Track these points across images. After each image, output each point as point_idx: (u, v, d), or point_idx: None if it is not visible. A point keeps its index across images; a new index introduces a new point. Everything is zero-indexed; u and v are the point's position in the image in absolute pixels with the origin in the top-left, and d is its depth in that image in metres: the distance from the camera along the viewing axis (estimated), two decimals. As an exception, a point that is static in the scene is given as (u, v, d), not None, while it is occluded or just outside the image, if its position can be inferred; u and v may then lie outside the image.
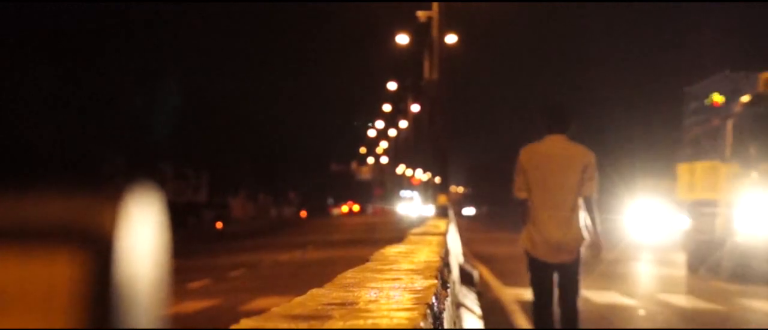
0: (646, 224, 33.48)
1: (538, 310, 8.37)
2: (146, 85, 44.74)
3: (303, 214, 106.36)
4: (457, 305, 8.92)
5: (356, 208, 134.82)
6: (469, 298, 12.41)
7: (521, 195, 8.16)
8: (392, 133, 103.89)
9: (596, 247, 8.20)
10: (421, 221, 26.50)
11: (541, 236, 8.10)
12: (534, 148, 8.22)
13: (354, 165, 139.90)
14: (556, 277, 8.26)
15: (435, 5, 31.96)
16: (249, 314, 2.48)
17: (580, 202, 8.12)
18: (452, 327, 5.02)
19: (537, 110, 8.53)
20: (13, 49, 33.65)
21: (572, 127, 8.27)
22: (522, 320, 12.19)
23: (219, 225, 54.27)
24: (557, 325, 8.38)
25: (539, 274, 8.26)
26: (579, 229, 8.08)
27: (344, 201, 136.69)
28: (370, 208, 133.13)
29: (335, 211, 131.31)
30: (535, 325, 8.48)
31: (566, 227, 8.05)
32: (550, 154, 8.13)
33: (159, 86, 45.86)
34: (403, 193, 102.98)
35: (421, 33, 39.44)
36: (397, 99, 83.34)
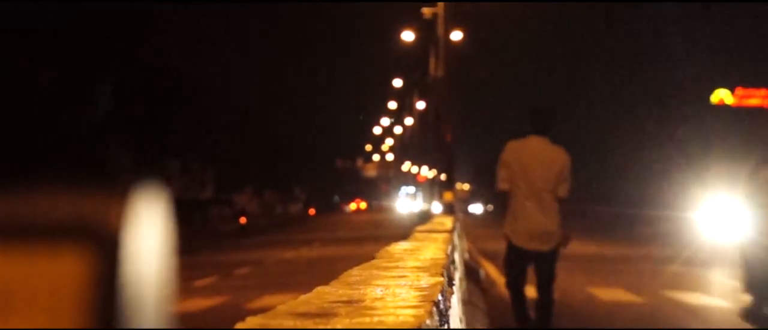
0: (723, 223, 27.56)
1: (511, 291, 9.05)
2: (152, 81, 44.86)
3: (312, 211, 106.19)
4: (464, 302, 8.96)
5: (363, 205, 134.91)
6: (475, 296, 12.43)
7: (504, 186, 8.91)
8: (398, 130, 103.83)
9: (566, 238, 8.90)
10: (427, 218, 26.48)
11: (521, 225, 8.79)
12: (518, 144, 8.93)
13: (360, 162, 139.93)
14: (532, 266, 8.97)
15: (440, 2, 31.92)
16: (255, 312, 2.48)
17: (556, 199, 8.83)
18: (458, 324, 5.02)
19: (527, 112, 9.21)
20: (16, 45, 33.74)
21: (554, 130, 8.98)
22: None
23: (243, 220, 54.53)
24: (531, 309, 9.07)
25: (515, 258, 8.97)
26: (555, 221, 8.75)
27: (351, 198, 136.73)
28: (375, 206, 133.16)
29: (346, 208, 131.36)
30: (513, 306, 9.10)
31: (543, 218, 8.73)
32: (532, 152, 8.82)
33: (165, 82, 46.00)
34: (404, 189, 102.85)
35: (426, 30, 39.39)
36: (402, 96, 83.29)
